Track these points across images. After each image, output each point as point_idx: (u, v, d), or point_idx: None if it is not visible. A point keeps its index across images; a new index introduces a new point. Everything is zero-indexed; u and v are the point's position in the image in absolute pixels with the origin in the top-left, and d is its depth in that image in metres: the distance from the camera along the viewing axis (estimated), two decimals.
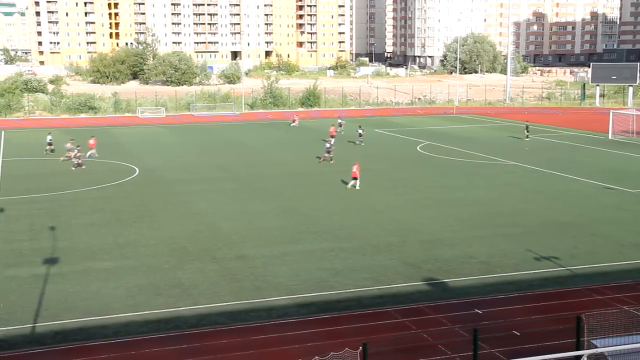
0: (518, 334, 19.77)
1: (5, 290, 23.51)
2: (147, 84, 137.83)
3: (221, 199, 38.12)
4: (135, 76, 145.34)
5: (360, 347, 15.89)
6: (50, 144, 56.12)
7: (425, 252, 27.71)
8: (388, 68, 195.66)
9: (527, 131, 63.55)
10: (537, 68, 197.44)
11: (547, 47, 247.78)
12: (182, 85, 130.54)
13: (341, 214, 34.55)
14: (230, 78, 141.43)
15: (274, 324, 20.70)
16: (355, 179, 40.93)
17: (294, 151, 57.09)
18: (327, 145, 52.72)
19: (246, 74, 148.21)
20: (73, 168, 48.09)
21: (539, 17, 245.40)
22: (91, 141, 54.04)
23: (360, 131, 61.75)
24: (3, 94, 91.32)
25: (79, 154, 48.69)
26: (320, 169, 48.21)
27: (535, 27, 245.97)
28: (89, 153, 52.63)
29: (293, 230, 31.36)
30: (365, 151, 56.23)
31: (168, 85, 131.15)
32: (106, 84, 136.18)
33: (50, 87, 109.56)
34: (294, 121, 76.52)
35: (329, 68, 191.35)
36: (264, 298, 22.72)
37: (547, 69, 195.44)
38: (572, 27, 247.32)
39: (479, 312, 21.47)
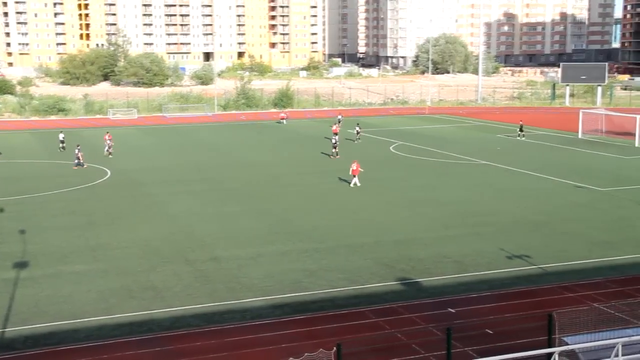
0: (491, 332, 19.94)
1: None
2: (119, 85, 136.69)
3: (194, 201, 37.92)
4: (106, 77, 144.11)
5: (335, 348, 15.90)
6: (62, 142, 57.76)
7: (399, 252, 27.82)
8: (361, 69, 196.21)
9: (521, 130, 64.29)
10: (508, 68, 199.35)
11: (517, 48, 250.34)
12: (154, 86, 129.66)
13: (315, 214, 34.57)
14: (203, 79, 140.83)
15: (248, 326, 20.64)
16: (354, 176, 41.23)
17: (267, 152, 57.00)
18: (333, 141, 54.11)
19: (219, 75, 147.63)
20: (74, 168, 48.51)
21: (510, 17, 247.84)
22: (106, 137, 56.10)
23: (357, 129, 62.66)
24: None
25: (79, 155, 49.34)
26: (295, 169, 48.19)
27: (506, 28, 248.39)
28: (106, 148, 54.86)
29: (267, 231, 31.30)
30: (339, 151, 56.24)
31: (140, 86, 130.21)
32: (76, 85, 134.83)
33: (18, 89, 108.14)
34: (282, 119, 78.93)
35: (302, 69, 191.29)
36: (238, 299, 22.65)
37: (518, 69, 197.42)
38: (542, 28, 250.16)
39: (453, 311, 21.62)
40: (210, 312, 21.62)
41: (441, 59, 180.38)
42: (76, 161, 49.10)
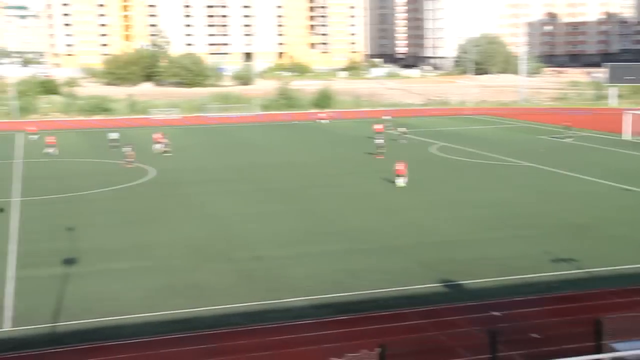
0: (536, 336, 19.68)
1: (25, 290, 23.70)
2: (161, 85, 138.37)
3: (237, 201, 38.22)
4: (148, 78, 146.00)
5: (377, 349, 15.88)
6: (115, 141, 59.49)
7: (441, 254, 27.65)
8: (400, 69, 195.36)
9: (568, 131, 63.46)
10: (551, 68, 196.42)
11: (560, 48, 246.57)
12: (195, 86, 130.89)
13: (356, 215, 34.54)
14: (243, 79, 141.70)
15: (290, 325, 20.71)
16: (400, 176, 41.27)
17: (309, 152, 57.15)
18: (379, 141, 54.49)
19: (258, 75, 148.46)
20: (126, 166, 49.63)
21: (552, 17, 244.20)
22: (157, 135, 58.32)
23: (403, 129, 62.80)
24: (19, 97, 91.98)
25: (129, 153, 50.73)
26: (337, 170, 48.23)
27: (548, 27, 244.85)
28: (156, 146, 57.01)
29: (308, 231, 31.40)
30: (384, 151, 56.14)
31: (181, 86, 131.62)
32: (120, 85, 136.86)
33: (64, 89, 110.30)
34: (323, 120, 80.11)
35: (341, 69, 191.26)
36: (280, 299, 22.75)
37: (561, 69, 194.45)
38: (586, 27, 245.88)
39: (497, 314, 21.38)
40: (252, 311, 21.76)
41: (482, 59, 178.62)
42: (126, 160, 50.22)
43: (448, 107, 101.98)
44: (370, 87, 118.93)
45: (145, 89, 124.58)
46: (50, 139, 58.61)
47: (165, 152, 56.16)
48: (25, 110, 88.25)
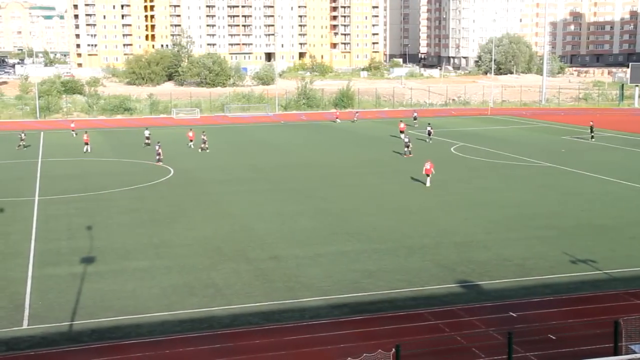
0: (554, 337, 19.51)
1: (43, 288, 23.93)
2: (182, 85, 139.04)
3: (255, 200, 38.31)
4: (170, 78, 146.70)
5: (393, 349, 15.84)
6: (147, 139, 60.59)
7: (459, 254, 27.51)
8: (422, 69, 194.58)
9: (592, 132, 62.90)
10: (574, 68, 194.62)
11: (584, 47, 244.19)
12: (216, 86, 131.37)
13: (374, 215, 34.48)
14: (264, 79, 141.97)
15: (306, 325, 20.72)
16: (427, 175, 41.40)
17: (327, 152, 57.14)
18: (406, 139, 54.76)
19: (280, 75, 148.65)
20: (156, 164, 50.39)
21: (576, 16, 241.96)
22: (190, 133, 60.41)
23: (429, 129, 63.00)
24: (42, 96, 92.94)
25: (159, 151, 51.66)
26: (356, 170, 48.17)
27: (572, 27, 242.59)
28: (190, 144, 59.36)
29: (326, 231, 31.38)
30: (396, 152, 56.02)
31: (202, 86, 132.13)
32: (142, 85, 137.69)
33: (87, 89, 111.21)
34: (354, 119, 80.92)
35: (363, 69, 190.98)
36: (297, 299, 22.77)
37: (585, 69, 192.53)
38: (611, 27, 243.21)
39: (514, 315, 21.23)
40: (269, 311, 21.79)
41: (504, 59, 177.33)
42: (157, 157, 51.09)
43: (469, 107, 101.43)
44: (391, 87, 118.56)
45: (167, 89, 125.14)
46: (85, 138, 59.58)
47: (203, 149, 57.27)
48: (47, 109, 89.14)
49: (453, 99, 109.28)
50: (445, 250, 28.19)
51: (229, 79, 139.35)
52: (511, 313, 21.37)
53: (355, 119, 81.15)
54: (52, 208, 36.45)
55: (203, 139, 58.28)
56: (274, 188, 41.85)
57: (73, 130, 69.58)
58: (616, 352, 16.09)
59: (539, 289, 23.57)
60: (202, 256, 27.63)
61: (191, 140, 60.16)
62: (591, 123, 64.37)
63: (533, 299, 22.57)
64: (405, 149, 53.87)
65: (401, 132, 65.10)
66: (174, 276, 25.18)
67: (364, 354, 16.02)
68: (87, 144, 58.40)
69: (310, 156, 54.98)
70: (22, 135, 61.99)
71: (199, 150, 56.99)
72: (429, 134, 62.91)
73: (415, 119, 76.11)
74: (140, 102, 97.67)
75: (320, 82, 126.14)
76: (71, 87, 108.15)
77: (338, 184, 42.89)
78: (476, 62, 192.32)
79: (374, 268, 25.91)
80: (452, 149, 57.93)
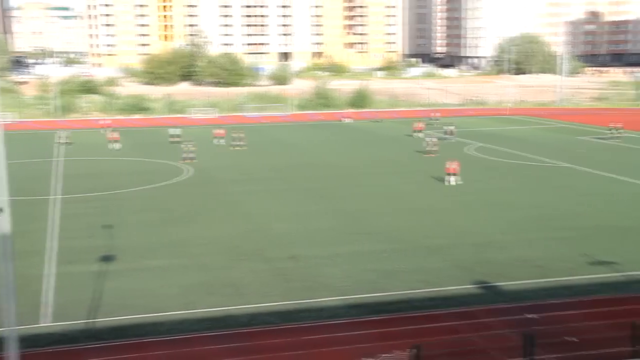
0: (573, 340, 19.41)
1: (64, 286, 24.15)
2: (199, 85, 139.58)
3: (272, 200, 38.42)
4: (186, 77, 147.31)
5: (411, 350, 15.85)
6: (175, 137, 61.75)
7: (477, 255, 27.45)
8: (438, 69, 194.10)
9: (617, 131, 62.47)
10: (592, 68, 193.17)
11: (602, 47, 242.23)
12: (233, 86, 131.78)
13: (392, 215, 34.46)
14: (280, 79, 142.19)
15: (324, 325, 20.75)
16: (451, 174, 41.62)
17: (343, 152, 57.16)
18: (429, 139, 55.26)
19: (296, 75, 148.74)
20: (184, 161, 51.09)
21: (594, 15, 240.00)
22: (219, 130, 62.53)
23: (451, 128, 62.81)
24: (60, 96, 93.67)
25: (191, 148, 52.35)
26: (374, 170, 48.15)
27: (590, 26, 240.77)
28: (220, 141, 61.24)
29: (344, 231, 31.41)
30: (415, 152, 55.96)
31: (219, 86, 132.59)
32: (159, 85, 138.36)
33: (104, 89, 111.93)
34: (378, 119, 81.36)
35: (379, 69, 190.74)
36: (314, 298, 22.81)
37: (603, 69, 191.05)
38: (630, 26, 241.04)
39: (533, 316, 21.14)
40: (286, 310, 21.85)
41: (521, 58, 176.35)
42: (184, 155, 51.86)
43: (486, 107, 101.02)
44: (407, 86, 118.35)
45: (183, 89, 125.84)
46: (114, 135, 60.62)
47: (238, 146, 58.35)
48: (66, 109, 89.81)
49: (470, 99, 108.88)
50: (463, 250, 28.12)
51: (245, 78, 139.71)
52: (530, 314, 21.27)
53: (379, 118, 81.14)
54: (72, 207, 36.75)
55: (240, 136, 59.40)
56: (292, 188, 41.93)
57: (106, 128, 70.77)
58: (635, 355, 16.00)
59: (557, 290, 23.46)
60: (220, 255, 27.75)
61: (221, 137, 61.74)
62: (617, 124, 63.62)
63: (552, 301, 22.47)
64: (429, 148, 54.07)
65: (418, 131, 65.32)
66: (192, 275, 25.32)
67: (382, 355, 16.05)
68: (115, 141, 59.84)
69: (327, 156, 55.02)
70: (63, 133, 63.69)
71: (236, 147, 57.38)
72: (451, 133, 62.82)
73: (434, 119, 76.11)
74: (157, 102, 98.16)
75: (336, 82, 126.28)
76: (89, 87, 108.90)
77: (356, 184, 42.90)
78: (493, 61, 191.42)
79: (391, 268, 25.90)
80: (469, 149, 57.73)
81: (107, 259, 27.24)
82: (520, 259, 26.94)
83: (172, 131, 63.09)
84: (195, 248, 28.83)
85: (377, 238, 30.18)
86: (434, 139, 55.55)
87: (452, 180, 41.87)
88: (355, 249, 28.45)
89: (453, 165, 42.09)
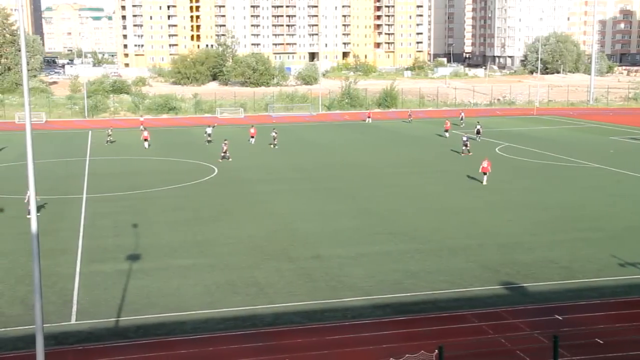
0: (601, 342, 19.17)
1: (91, 284, 24.41)
2: (227, 85, 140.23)
3: (298, 199, 38.47)
4: (214, 77, 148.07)
5: (436, 350, 15.75)
6: (209, 135, 62.56)
7: (503, 256, 27.22)
8: (466, 68, 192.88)
9: None
10: (624, 67, 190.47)
11: (635, 46, 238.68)
12: (260, 86, 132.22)
13: (417, 215, 34.32)
14: (307, 79, 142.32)
15: (349, 325, 20.73)
16: (484, 174, 41.57)
17: (369, 152, 57.05)
18: (464, 138, 55.13)
19: (323, 75, 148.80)
20: (220, 160, 51.63)
21: (627, 14, 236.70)
22: (252, 130, 62.59)
23: (478, 127, 62.91)
24: (90, 96, 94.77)
25: (225, 148, 52.67)
26: (399, 170, 47.98)
27: (622, 25, 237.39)
28: (251, 140, 61.60)
29: (369, 231, 31.35)
30: (442, 152, 55.69)
31: (247, 86, 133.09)
32: (187, 85, 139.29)
33: (133, 89, 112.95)
34: (409, 118, 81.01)
35: (407, 69, 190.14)
36: (339, 298, 22.79)
37: (635, 68, 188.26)
38: None
39: (560, 318, 20.91)
40: (311, 310, 21.86)
41: (551, 58, 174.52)
42: (222, 154, 52.31)
43: (514, 107, 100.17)
44: (435, 86, 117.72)
45: (211, 88, 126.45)
46: (145, 135, 61.43)
47: (272, 144, 59.36)
48: (95, 109, 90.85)
49: (498, 99, 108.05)
50: (489, 251, 27.90)
51: (273, 78, 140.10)
52: (557, 316, 21.05)
53: (410, 118, 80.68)
54: (99, 206, 37.13)
55: (274, 135, 60.07)
56: (317, 187, 41.95)
57: (141, 125, 72.16)
58: None
59: (585, 292, 23.18)
60: (244, 255, 27.84)
61: (252, 137, 61.99)
62: None
63: (579, 302, 22.21)
64: (464, 147, 54.00)
65: (446, 131, 65.05)
66: (217, 274, 25.44)
67: (407, 355, 15.99)
68: (146, 140, 60.67)
69: (353, 156, 54.94)
70: (109, 131, 65.14)
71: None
72: (478, 132, 62.47)
73: (461, 119, 75.93)
74: (185, 102, 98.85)
75: (363, 82, 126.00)
76: (118, 87, 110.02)
77: (381, 184, 42.79)
78: (522, 61, 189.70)
79: (416, 268, 25.79)
80: (497, 149, 57.28)
81: (133, 257, 27.48)
82: (547, 259, 26.65)
83: (208, 130, 63.79)
84: (220, 247, 28.96)
85: (401, 238, 30.07)
86: (466, 139, 55.26)
87: (485, 179, 41.80)
88: (380, 249, 28.38)
89: (485, 164, 42.02)
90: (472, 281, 24.29)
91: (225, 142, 53.80)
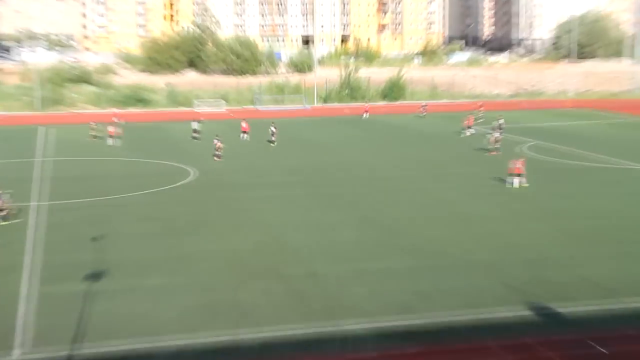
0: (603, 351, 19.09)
1: (41, 309, 24.17)
2: (206, 73, 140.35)
3: (289, 207, 38.42)
4: (192, 64, 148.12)
5: None
6: (196, 132, 63.83)
7: (531, 273, 27.18)
8: (487, 53, 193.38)
9: None
10: None
11: None
12: (245, 75, 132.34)
13: (429, 225, 34.30)
14: (300, 67, 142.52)
15: (349, 357, 20.62)
16: (518, 175, 41.98)
17: (373, 151, 57.07)
18: (496, 134, 55.58)
19: (319, 62, 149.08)
20: (215, 159, 52.68)
21: None
22: (243, 124, 64.27)
23: (500, 121, 62.75)
24: (44, 86, 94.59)
25: (218, 146, 53.14)
26: (408, 172, 47.99)
27: None
28: (244, 137, 63.30)
29: (373, 243, 31.31)
30: (459, 152, 55.70)
31: (229, 75, 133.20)
32: (160, 73, 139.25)
33: (96, 77, 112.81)
34: (422, 112, 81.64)
35: (416, 54, 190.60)
36: (337, 324, 22.68)
37: None
38: None
39: (604, 351, 20.69)
40: (305, 338, 21.77)
41: (587, 40, 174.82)
42: (217, 153, 52.97)
43: (543, 99, 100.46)
44: (451, 75, 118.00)
45: (189, 78, 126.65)
46: (110, 130, 61.88)
47: (271, 141, 60.48)
48: (50, 101, 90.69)
49: (525, 89, 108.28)
50: (514, 267, 27.86)
51: (260, 66, 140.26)
52: (600, 347, 20.83)
53: (424, 112, 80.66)
54: (53, 215, 36.96)
55: (273, 131, 61.03)
56: (312, 193, 41.92)
57: (117, 117, 72.79)
58: None
59: (632, 318, 23.07)
60: (227, 272, 27.74)
61: (245, 132, 63.50)
62: None
63: (627, 331, 22.05)
64: (491, 146, 54.37)
65: (468, 127, 64.90)
66: (194, 296, 25.31)
67: None
68: (112, 136, 61.06)
69: (354, 156, 54.99)
70: (92, 125, 65.72)
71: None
72: (500, 128, 62.52)
73: (479, 111, 75.93)
74: (156, 93, 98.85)
75: (366, 70, 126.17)
76: (78, 76, 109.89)
77: (387, 189, 42.79)
78: (553, 44, 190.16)
79: (428, 288, 25.72)
80: (523, 148, 57.36)
81: (95, 276, 27.31)
82: (584, 278, 26.60)
83: (194, 125, 64.42)
84: (199, 264, 28.85)
85: (410, 252, 30.02)
86: (496, 135, 55.37)
87: (517, 182, 41.85)
88: (385, 265, 28.32)
89: (518, 164, 42.20)
90: (495, 303, 24.22)
91: (218, 137, 53.95)
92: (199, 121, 66.18)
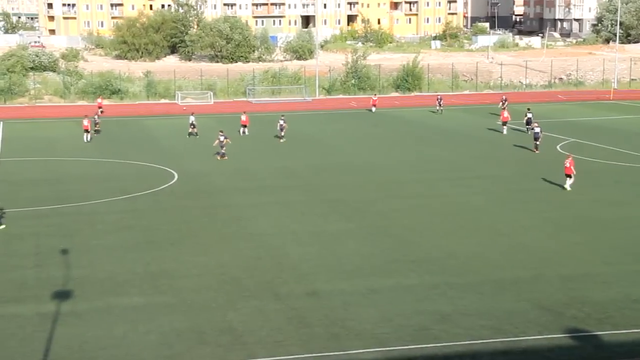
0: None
1: (2, 333, 24.31)
2: (190, 60, 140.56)
3: (287, 215, 38.53)
4: (174, 50, 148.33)
5: None
6: (193, 127, 65.09)
7: (568, 292, 27.27)
8: (517, 37, 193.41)
9: None
10: None
11: None
12: (236, 61, 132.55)
13: (450, 237, 34.38)
14: (300, 52, 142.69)
15: None
16: (568, 176, 42.53)
17: (384, 151, 57.13)
18: (537, 130, 55.95)
19: (322, 46, 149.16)
20: (218, 158, 53.48)
21: None
22: (243, 117, 65.73)
23: (529, 115, 63.75)
24: (4, 74, 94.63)
25: (224, 142, 54.33)
26: (424, 175, 48.05)
27: None
28: (242, 131, 64.85)
29: (383, 258, 31.41)
30: (484, 151, 55.76)
31: (218, 61, 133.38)
32: (136, 60, 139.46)
33: (62, 65, 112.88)
34: (439, 109, 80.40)
35: (435, 38, 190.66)
36: (343, 350, 22.79)
37: None
38: None
39: None
40: None
41: (635, 22, 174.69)
42: (222, 150, 53.72)
43: (583, 89, 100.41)
44: (474, 61, 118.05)
45: (170, 65, 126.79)
46: (85, 124, 62.12)
47: (279, 137, 61.96)
48: (8, 91, 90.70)
49: (560, 78, 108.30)
50: (549, 286, 27.96)
51: (253, 51, 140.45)
52: None
53: (440, 108, 79.84)
54: (13, 225, 37.02)
55: (282, 125, 62.43)
56: (313, 199, 42.03)
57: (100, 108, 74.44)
58: None
59: None
60: (215, 291, 27.86)
61: (244, 126, 65.04)
62: None
63: None
64: (536, 142, 55.04)
65: (504, 123, 64.33)
66: (177, 317, 25.43)
67: None
68: (87, 131, 61.81)
69: (361, 156, 55.07)
70: (97, 118, 67.37)
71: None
72: (528, 123, 62.50)
73: (504, 103, 76.07)
74: (133, 83, 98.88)
75: (376, 56, 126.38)
76: (41, 62, 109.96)
77: (400, 194, 42.90)
78: (594, 25, 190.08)
79: (449, 309, 25.82)
80: (558, 146, 57.42)
81: (62, 295, 27.43)
82: (629, 297, 26.70)
83: (192, 119, 65.16)
84: (183, 281, 28.96)
85: (427, 268, 30.12)
86: (537, 130, 55.46)
87: (569, 184, 42.53)
88: (398, 283, 28.44)
89: (567, 163, 42.64)
90: (526, 327, 24.31)
91: (221, 133, 54.19)
92: (194, 115, 66.60)
